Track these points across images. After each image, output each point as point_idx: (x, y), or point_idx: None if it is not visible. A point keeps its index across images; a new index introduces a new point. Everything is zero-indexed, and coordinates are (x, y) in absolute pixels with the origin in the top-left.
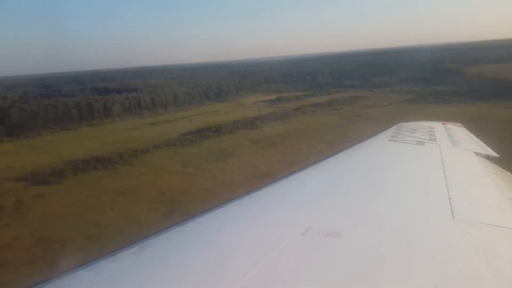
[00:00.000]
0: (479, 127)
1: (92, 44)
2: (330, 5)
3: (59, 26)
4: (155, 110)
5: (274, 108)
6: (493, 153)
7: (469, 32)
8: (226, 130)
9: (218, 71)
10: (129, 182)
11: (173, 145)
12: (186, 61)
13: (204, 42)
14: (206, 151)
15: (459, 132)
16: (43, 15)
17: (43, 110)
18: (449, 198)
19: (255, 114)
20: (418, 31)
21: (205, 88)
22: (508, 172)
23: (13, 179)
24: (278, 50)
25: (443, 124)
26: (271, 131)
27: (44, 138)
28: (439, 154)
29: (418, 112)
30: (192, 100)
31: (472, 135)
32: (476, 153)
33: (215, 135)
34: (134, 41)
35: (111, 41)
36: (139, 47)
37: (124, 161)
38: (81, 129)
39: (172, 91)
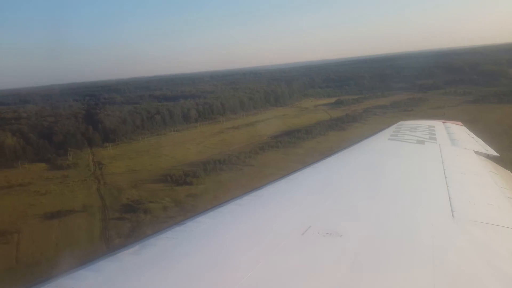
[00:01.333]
0: None
1: (99, 55)
2: (343, 11)
3: (71, 37)
4: (225, 115)
5: (340, 111)
6: (493, 152)
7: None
8: (315, 132)
9: (252, 78)
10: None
11: (275, 147)
12: (194, 70)
13: (211, 50)
14: (313, 151)
15: (459, 131)
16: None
17: (130, 116)
18: (449, 197)
19: (326, 117)
20: (426, 36)
21: (264, 94)
22: (508, 171)
23: (150, 181)
24: (289, 57)
25: (443, 122)
26: (360, 132)
27: (141, 142)
28: (439, 153)
29: (496, 112)
30: (256, 105)
31: (472, 134)
32: (476, 152)
33: (309, 137)
34: (140, 51)
35: (119, 52)
36: (150, 57)
37: (243, 162)
38: (168, 133)
39: (237, 97)
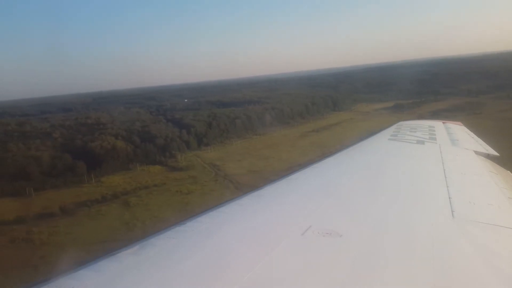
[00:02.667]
0: None
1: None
2: (352, 20)
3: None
4: (295, 119)
5: (406, 115)
6: (494, 152)
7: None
8: None
9: (282, 85)
10: None
11: None
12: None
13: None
14: None
15: (459, 131)
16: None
17: (213, 120)
18: (449, 198)
19: (395, 121)
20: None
21: (322, 99)
22: (509, 171)
23: None
24: (296, 65)
25: (443, 123)
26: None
27: (234, 145)
28: (439, 153)
29: None
30: (319, 110)
31: (472, 134)
32: (476, 152)
33: None
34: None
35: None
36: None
37: None
38: (253, 137)
39: (302, 102)
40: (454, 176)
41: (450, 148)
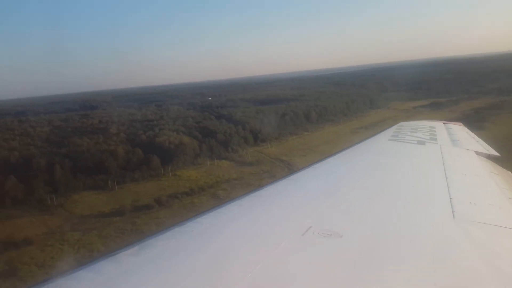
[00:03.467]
0: None
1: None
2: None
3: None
4: (337, 116)
5: (448, 112)
6: (494, 153)
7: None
8: None
9: (305, 84)
10: None
11: None
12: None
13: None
14: None
15: (460, 131)
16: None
17: (264, 117)
18: (450, 198)
19: (445, 118)
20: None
21: (360, 97)
22: (509, 172)
23: None
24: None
25: (443, 123)
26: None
27: (289, 141)
28: (440, 154)
29: None
30: (358, 107)
31: (473, 135)
32: (477, 153)
33: None
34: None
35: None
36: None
37: None
38: (303, 134)
39: (340, 100)
40: (455, 176)
41: (451, 148)
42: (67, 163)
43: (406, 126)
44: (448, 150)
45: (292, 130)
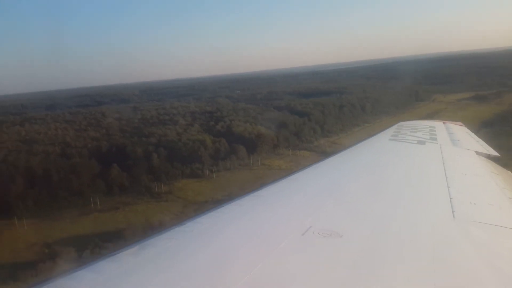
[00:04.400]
0: None
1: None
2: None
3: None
4: (390, 108)
5: (495, 105)
6: (494, 153)
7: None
8: None
9: (327, 77)
10: None
11: None
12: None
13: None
14: None
15: (460, 131)
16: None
17: (325, 109)
18: (450, 198)
19: (489, 111)
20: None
21: (405, 90)
22: (509, 172)
23: None
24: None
25: (444, 123)
26: None
27: (359, 132)
28: (440, 154)
29: None
30: (406, 100)
31: (473, 134)
32: (477, 153)
33: None
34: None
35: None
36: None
37: None
38: (365, 126)
39: (386, 93)
40: (455, 176)
41: (451, 148)
42: (162, 151)
43: (406, 126)
44: (448, 150)
45: (353, 122)
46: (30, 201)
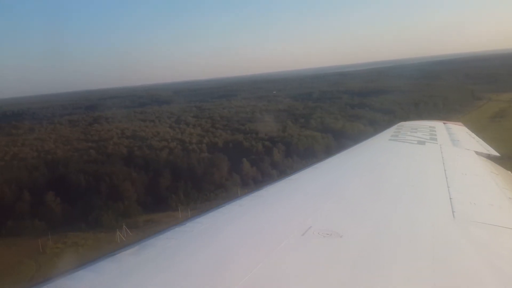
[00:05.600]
0: None
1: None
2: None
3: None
4: (457, 106)
5: None
6: (494, 152)
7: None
8: None
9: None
10: None
11: None
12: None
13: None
14: None
15: (460, 131)
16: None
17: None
18: (450, 198)
19: None
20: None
21: (460, 89)
22: (509, 172)
23: None
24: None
25: (444, 123)
26: None
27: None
28: (440, 154)
29: None
30: (468, 99)
31: (473, 135)
32: (477, 153)
33: None
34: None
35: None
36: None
37: None
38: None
39: (452, 92)
40: (455, 176)
41: (451, 148)
42: (280, 147)
43: (406, 126)
44: (448, 150)
45: (436, 119)
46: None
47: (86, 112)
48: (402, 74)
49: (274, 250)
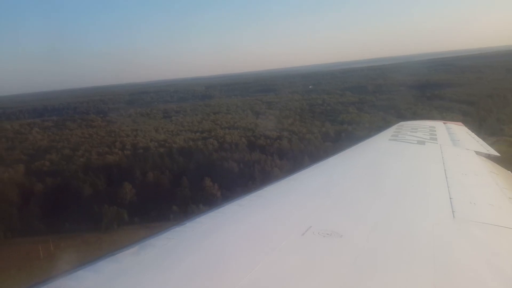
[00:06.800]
0: None
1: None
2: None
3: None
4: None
5: None
6: (494, 152)
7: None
8: None
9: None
10: None
11: None
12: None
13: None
14: None
15: (460, 131)
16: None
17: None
18: (450, 198)
19: None
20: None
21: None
22: (509, 172)
23: None
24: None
25: (444, 123)
26: None
27: None
28: (440, 154)
29: None
30: None
31: (473, 134)
32: (477, 153)
33: None
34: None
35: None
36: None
37: None
38: None
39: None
40: (455, 176)
41: (451, 148)
42: None
43: (406, 126)
44: (448, 150)
45: None
46: None
47: (146, 105)
48: (438, 68)
49: (274, 250)
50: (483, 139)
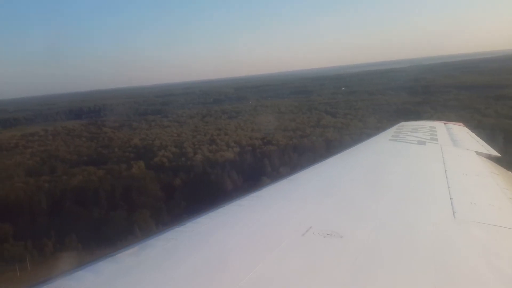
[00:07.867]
0: None
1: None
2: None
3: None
4: None
5: None
6: (495, 153)
7: None
8: None
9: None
10: None
11: None
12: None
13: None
14: None
15: (461, 131)
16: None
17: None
18: (451, 198)
19: None
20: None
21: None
22: (510, 172)
23: None
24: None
25: (444, 123)
26: None
27: None
28: (440, 154)
29: None
30: None
31: (473, 135)
32: (478, 153)
33: None
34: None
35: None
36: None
37: None
38: None
39: None
40: (455, 176)
41: (451, 148)
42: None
43: (407, 126)
44: (448, 150)
45: None
46: None
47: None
48: (465, 71)
49: (274, 250)
50: None
